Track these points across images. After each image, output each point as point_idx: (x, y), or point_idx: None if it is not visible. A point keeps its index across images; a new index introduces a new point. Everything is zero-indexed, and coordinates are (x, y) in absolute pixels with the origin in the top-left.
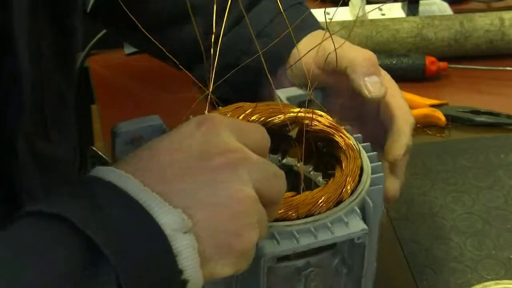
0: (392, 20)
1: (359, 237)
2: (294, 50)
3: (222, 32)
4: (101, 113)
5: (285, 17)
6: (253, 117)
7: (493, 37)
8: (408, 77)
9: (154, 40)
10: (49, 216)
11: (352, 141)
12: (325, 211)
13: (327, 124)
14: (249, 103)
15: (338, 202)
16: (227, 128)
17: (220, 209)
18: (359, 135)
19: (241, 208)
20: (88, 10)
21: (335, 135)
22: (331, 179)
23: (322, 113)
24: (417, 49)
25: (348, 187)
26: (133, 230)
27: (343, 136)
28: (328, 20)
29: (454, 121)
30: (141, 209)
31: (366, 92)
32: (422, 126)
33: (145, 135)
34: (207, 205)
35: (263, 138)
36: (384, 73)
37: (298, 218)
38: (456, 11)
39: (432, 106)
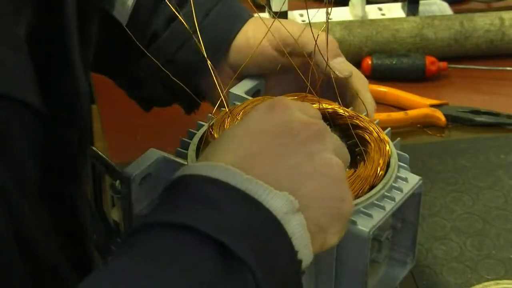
0: (392, 20)
1: (417, 188)
2: (235, 41)
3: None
4: (101, 113)
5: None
6: None
7: (493, 37)
8: (408, 77)
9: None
10: (176, 226)
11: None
12: (384, 177)
13: (339, 109)
14: (270, 97)
15: (387, 166)
16: (295, 106)
17: (322, 178)
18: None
19: (338, 174)
20: (125, 23)
21: (356, 118)
22: (370, 149)
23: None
24: (417, 49)
25: (387, 147)
26: (252, 224)
27: (361, 117)
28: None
29: (454, 121)
30: (251, 200)
31: (337, 73)
32: (422, 126)
33: (152, 171)
34: (310, 177)
35: (318, 113)
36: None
37: (368, 191)
38: (456, 11)
39: (432, 106)
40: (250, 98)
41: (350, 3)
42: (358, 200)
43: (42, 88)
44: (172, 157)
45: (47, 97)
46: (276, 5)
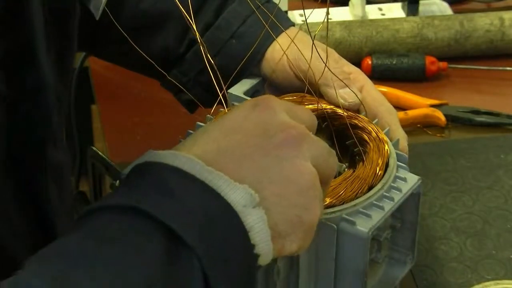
0: (392, 20)
1: (416, 187)
2: (268, 51)
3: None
4: (101, 113)
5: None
6: None
7: (493, 37)
8: (408, 77)
9: (137, 47)
10: (126, 208)
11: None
12: (383, 177)
13: (338, 109)
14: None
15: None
16: (281, 107)
17: (288, 184)
18: None
19: (307, 182)
20: (98, 17)
21: (355, 118)
22: (369, 149)
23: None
24: (417, 49)
25: (386, 147)
26: (206, 212)
27: (360, 117)
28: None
29: (454, 121)
30: (209, 190)
31: (342, 101)
32: (422, 126)
33: None
34: (275, 182)
35: (311, 117)
36: (355, 69)
37: (367, 191)
38: (456, 11)
39: (432, 106)
40: (248, 98)
41: (350, 3)
42: (357, 201)
43: (6, 75)
44: None
45: (10, 84)
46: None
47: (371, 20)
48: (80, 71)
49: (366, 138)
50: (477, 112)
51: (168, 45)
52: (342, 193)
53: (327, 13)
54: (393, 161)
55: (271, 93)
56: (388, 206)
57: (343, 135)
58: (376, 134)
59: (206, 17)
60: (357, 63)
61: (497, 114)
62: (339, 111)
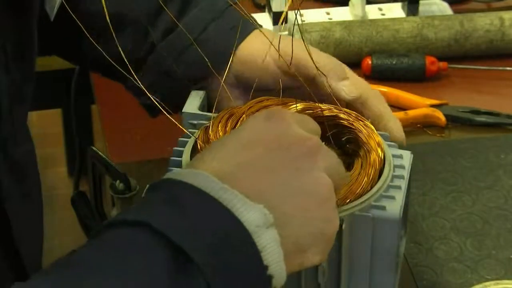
0: (392, 20)
1: (412, 162)
2: (239, 53)
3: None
4: (101, 113)
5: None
6: None
7: (493, 37)
8: (408, 77)
9: (100, 49)
10: (134, 224)
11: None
12: (385, 160)
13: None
14: (237, 108)
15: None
16: (293, 119)
17: (308, 197)
18: None
19: (326, 194)
20: (52, 18)
21: (342, 115)
22: (363, 136)
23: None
24: (417, 49)
25: (373, 128)
26: (217, 231)
27: (351, 114)
28: (328, 20)
29: (454, 121)
30: (222, 208)
31: (344, 94)
32: (422, 126)
33: None
34: (295, 195)
35: (316, 126)
36: (347, 69)
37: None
38: (456, 11)
39: (432, 106)
40: (206, 113)
41: (350, 3)
42: (377, 186)
43: None
44: None
45: None
46: (276, 5)
47: (371, 20)
48: (80, 71)
49: (350, 125)
50: (477, 112)
51: (126, 49)
52: (364, 183)
53: (301, 15)
54: (382, 140)
55: (241, 96)
56: (403, 184)
57: (339, 132)
58: (357, 117)
59: (165, 22)
60: (357, 63)
61: (497, 114)
62: (323, 107)
